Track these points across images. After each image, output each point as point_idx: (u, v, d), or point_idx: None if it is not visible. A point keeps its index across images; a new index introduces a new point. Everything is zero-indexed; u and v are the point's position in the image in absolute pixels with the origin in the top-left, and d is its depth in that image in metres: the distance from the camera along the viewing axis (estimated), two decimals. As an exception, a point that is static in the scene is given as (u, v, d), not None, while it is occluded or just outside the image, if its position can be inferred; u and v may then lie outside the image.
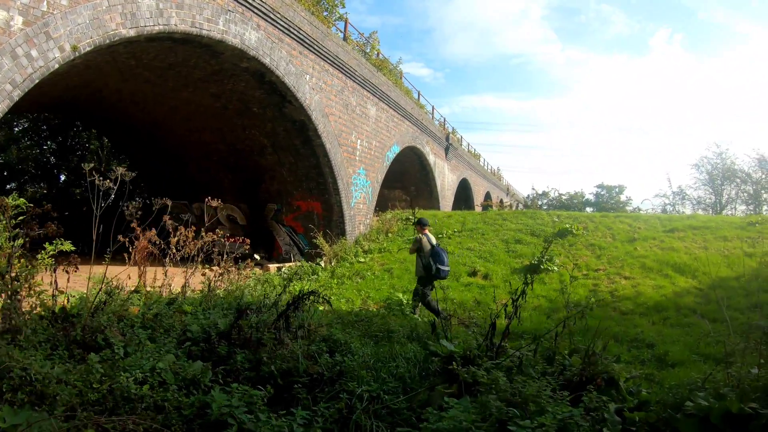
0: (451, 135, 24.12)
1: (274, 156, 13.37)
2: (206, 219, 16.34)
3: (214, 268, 7.54)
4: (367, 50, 15.92)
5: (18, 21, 6.21)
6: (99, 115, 14.12)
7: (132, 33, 7.54)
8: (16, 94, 6.33)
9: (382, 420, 3.14)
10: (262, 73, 10.47)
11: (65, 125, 18.79)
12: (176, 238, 7.90)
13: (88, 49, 7.01)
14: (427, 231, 8.35)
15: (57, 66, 6.69)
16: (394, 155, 16.63)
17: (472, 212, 16.43)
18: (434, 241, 8.13)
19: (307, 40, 11.17)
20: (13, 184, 19.92)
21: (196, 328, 4.38)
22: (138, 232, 7.45)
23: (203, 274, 7.39)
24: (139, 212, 6.69)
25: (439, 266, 7.83)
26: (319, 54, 11.60)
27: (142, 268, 7.66)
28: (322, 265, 11.47)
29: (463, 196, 28.31)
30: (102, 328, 4.14)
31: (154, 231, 7.35)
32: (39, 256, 4.69)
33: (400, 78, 19.01)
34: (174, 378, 3.27)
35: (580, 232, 12.42)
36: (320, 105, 11.89)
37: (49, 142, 20.71)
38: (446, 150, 22.88)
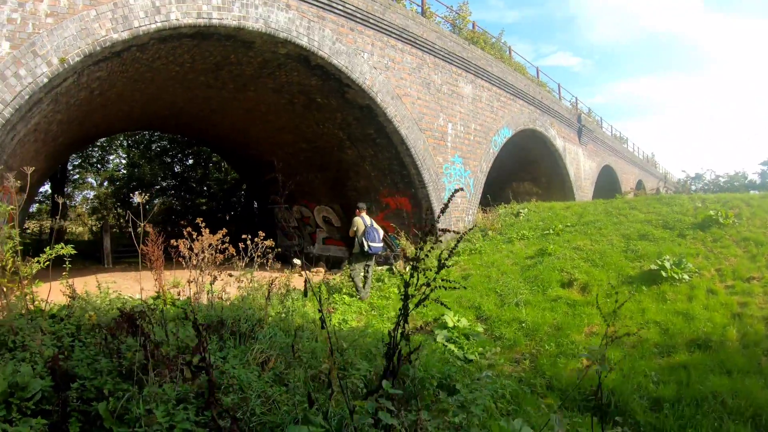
0: (584, 116, 20.19)
1: (353, 149, 12.40)
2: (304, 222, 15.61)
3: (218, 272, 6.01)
4: (458, 23, 13.41)
5: (5, 46, 6.62)
6: (196, 127, 14.95)
7: (125, 35, 7.39)
8: (8, 112, 6.63)
9: None
10: (305, 56, 9.54)
11: (192, 142, 20.01)
12: (202, 243, 6.60)
13: (77, 59, 7.10)
14: (363, 213, 9.19)
15: (46, 80, 6.88)
16: (505, 140, 14.12)
17: (597, 202, 13.00)
18: (368, 222, 9.06)
19: (359, 15, 10.02)
20: (158, 198, 21.91)
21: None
22: (152, 236, 6.24)
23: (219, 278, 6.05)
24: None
25: (370, 243, 8.85)
26: (379, 29, 10.29)
27: (156, 272, 6.45)
28: (394, 270, 9.50)
29: (607, 185, 23.79)
30: (18, 330, 3.86)
31: (220, 234, 6.66)
32: (36, 259, 4.84)
33: (509, 54, 16.08)
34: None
35: (730, 221, 9.22)
36: (387, 85, 10.63)
37: (190, 159, 22.48)
38: (579, 133, 19.25)
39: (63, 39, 6.93)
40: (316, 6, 9.24)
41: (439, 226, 11.86)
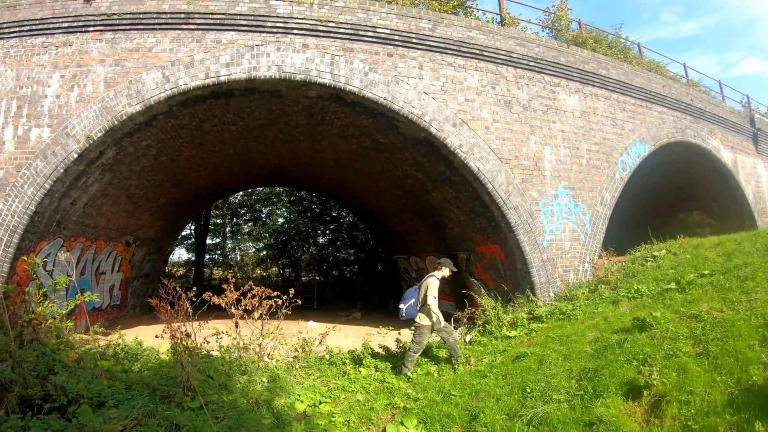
0: (759, 117, 14.67)
1: (436, 191, 11.10)
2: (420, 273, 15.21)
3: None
4: (557, 26, 10.53)
5: (47, 132, 8.10)
6: (305, 181, 15.14)
7: (138, 108, 8.19)
8: (48, 184, 7.95)
9: None
10: (336, 94, 9.03)
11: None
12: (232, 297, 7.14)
13: (99, 135, 8.07)
14: (438, 271, 7.43)
15: (76, 155, 7.99)
16: (639, 159, 10.66)
17: (762, 232, 8.45)
18: (423, 282, 7.30)
19: (397, 38, 9.08)
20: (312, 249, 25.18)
21: None
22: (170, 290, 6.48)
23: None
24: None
25: (400, 306, 7.43)
26: (427, 48, 9.62)
27: (170, 324, 6.47)
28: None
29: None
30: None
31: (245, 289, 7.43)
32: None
33: (639, 52, 12.32)
34: None
35: None
36: (444, 112, 9.36)
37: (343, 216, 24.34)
38: (754, 139, 13.89)
39: (88, 120, 8.11)
40: (341, 39, 8.98)
41: (538, 280, 8.95)
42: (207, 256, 27.36)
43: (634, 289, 7.83)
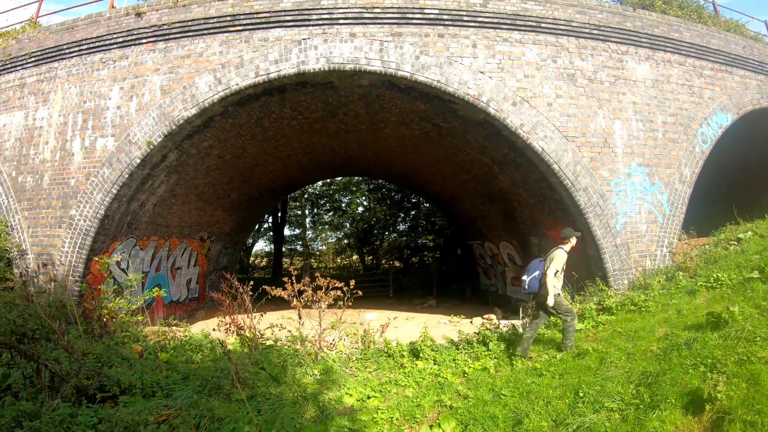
0: None
1: (503, 174, 10.70)
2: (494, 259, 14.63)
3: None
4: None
5: (111, 141, 8.56)
6: (376, 170, 15.29)
7: (193, 111, 8.43)
8: (115, 189, 8.42)
9: None
10: (389, 81, 8.85)
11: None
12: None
13: (159, 139, 8.41)
14: (565, 244, 6.56)
15: (139, 161, 8.39)
16: (721, 130, 9.64)
17: None
18: (553, 253, 6.48)
19: (447, 17, 8.61)
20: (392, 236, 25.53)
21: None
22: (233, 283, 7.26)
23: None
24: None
25: (523, 278, 6.70)
26: (481, 24, 9.09)
27: (229, 316, 7.10)
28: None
29: None
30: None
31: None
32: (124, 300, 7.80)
33: (714, 11, 11.17)
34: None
35: None
36: (502, 90, 8.89)
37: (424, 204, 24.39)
38: None
39: (148, 126, 8.46)
40: (388, 24, 8.63)
41: (611, 267, 8.26)
42: (288, 247, 28.44)
43: (713, 278, 6.96)
